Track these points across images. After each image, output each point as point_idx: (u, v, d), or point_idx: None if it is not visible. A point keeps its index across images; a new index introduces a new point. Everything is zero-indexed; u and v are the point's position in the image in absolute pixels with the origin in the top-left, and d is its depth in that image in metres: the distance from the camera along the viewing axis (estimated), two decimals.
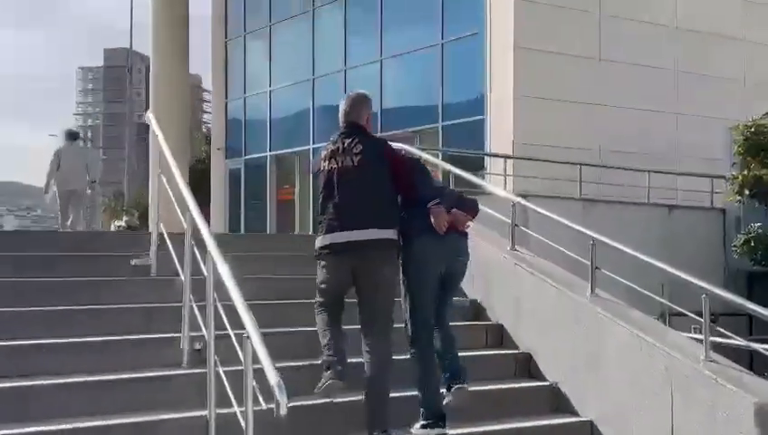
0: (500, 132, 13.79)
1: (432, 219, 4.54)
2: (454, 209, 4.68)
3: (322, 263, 4.48)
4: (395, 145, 5.13)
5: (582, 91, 14.34)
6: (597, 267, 5.27)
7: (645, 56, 14.92)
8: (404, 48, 17.08)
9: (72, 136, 11.77)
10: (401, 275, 4.60)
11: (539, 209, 6.08)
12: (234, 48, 22.80)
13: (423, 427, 4.44)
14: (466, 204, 4.89)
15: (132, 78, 50.77)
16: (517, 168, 12.40)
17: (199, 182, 27.05)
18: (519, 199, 6.44)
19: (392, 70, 17.53)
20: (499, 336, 5.91)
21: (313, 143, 19.46)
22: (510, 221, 6.23)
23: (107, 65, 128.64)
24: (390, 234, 4.46)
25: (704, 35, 15.63)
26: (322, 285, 4.49)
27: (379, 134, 6.83)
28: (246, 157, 21.92)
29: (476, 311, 6.21)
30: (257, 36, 21.90)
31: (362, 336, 4.43)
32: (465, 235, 4.85)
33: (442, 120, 15.81)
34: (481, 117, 14.59)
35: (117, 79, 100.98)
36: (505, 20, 14.00)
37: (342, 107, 4.69)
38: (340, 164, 4.47)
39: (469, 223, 4.83)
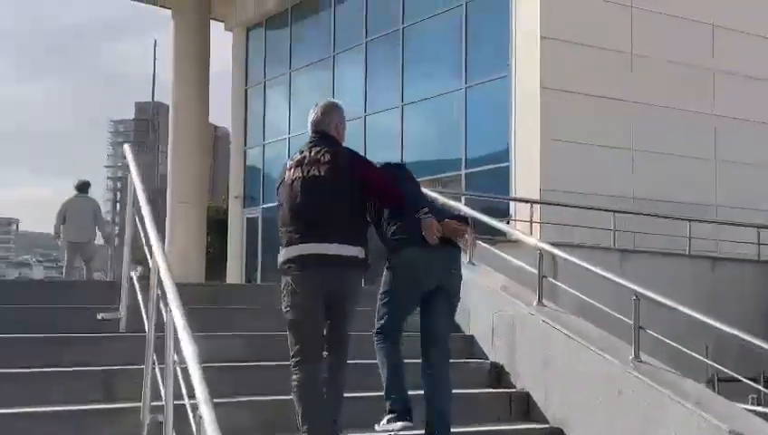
0: (526, 179, 13.00)
1: (423, 229, 4.19)
2: (447, 220, 4.32)
3: (289, 285, 3.98)
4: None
5: (615, 135, 13.55)
6: (641, 327, 4.45)
7: (682, 100, 14.12)
8: (425, 94, 16.49)
9: (79, 187, 11.59)
10: (382, 286, 4.30)
11: (570, 258, 5.29)
12: (253, 95, 22.42)
13: (388, 422, 4.13)
14: (460, 220, 4.53)
15: (159, 128, 50.99)
16: (545, 215, 11.55)
17: (222, 232, 26.67)
18: (546, 246, 5.63)
19: (413, 116, 16.93)
20: (525, 406, 5.09)
21: None
22: (537, 272, 5.43)
23: (137, 118, 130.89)
24: (357, 251, 4.02)
25: (744, 79, 14.83)
26: (292, 318, 3.96)
27: None
28: (264, 205, 21.33)
29: (498, 375, 5.40)
30: (277, 83, 21.50)
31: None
32: (459, 248, 4.52)
33: (465, 168, 15.08)
34: (506, 164, 13.84)
35: (146, 132, 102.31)
36: (532, 62, 13.33)
37: (311, 115, 4.37)
38: (305, 174, 4.07)
39: (466, 235, 4.48)
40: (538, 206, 11.45)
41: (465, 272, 4.85)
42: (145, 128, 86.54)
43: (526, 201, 11.64)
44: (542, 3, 13.25)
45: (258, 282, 20.68)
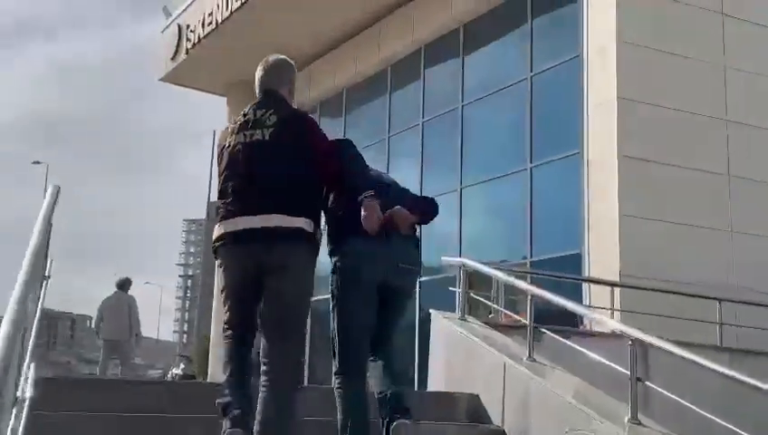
0: (601, 264, 11.17)
1: (362, 214, 3.56)
2: (397, 207, 3.80)
3: (220, 263, 3.59)
4: None
5: (706, 213, 11.70)
6: None
7: None
8: (487, 175, 15.03)
9: (119, 285, 11.60)
10: (330, 285, 3.81)
11: (689, 355, 3.56)
12: None
13: None
14: (420, 203, 4.06)
15: None
16: (626, 302, 9.61)
17: None
18: (640, 334, 3.91)
19: (474, 198, 15.43)
20: None
21: None
22: (628, 372, 3.71)
23: (209, 217, 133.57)
24: (302, 223, 3.51)
25: None
26: (224, 296, 3.56)
27: None
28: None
29: None
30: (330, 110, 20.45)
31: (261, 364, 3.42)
32: (414, 238, 3.99)
33: (531, 256, 13.40)
34: (576, 251, 12.08)
35: None
36: (608, 132, 11.73)
37: (258, 72, 3.82)
38: (248, 139, 3.62)
39: (414, 223, 3.92)
40: (617, 291, 9.51)
41: (523, 371, 3.27)
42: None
43: (606, 283, 9.64)
44: (618, 68, 11.76)
45: None
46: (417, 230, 4.22)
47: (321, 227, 3.75)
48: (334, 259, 3.81)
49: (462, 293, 6.55)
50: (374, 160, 17.67)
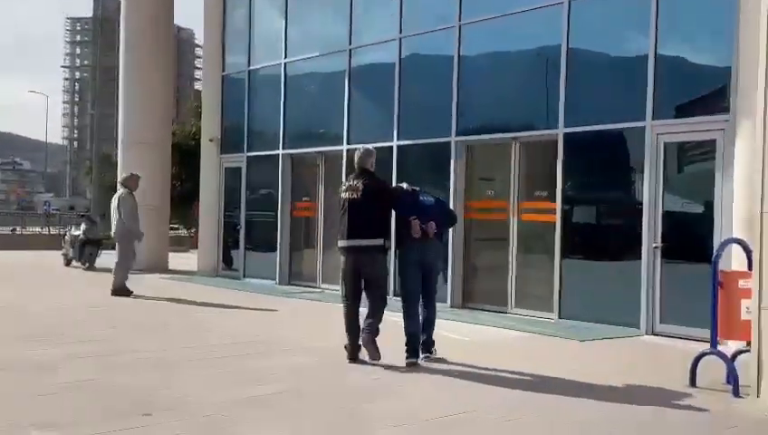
0: None
1: (411, 228, 7.05)
2: (430, 222, 7.09)
3: (341, 258, 7.13)
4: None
5: None
6: None
7: None
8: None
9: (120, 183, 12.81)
10: (398, 265, 7.24)
11: None
12: (234, 2, 16.71)
13: (409, 357, 6.96)
14: (444, 217, 7.53)
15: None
16: None
17: (191, 165, 21.09)
18: None
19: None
20: None
21: (348, 142, 13.56)
22: None
23: (97, 16, 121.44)
24: (378, 241, 6.99)
25: None
26: (342, 274, 7.17)
27: None
28: (250, 153, 15.96)
29: None
30: None
31: (367, 301, 7.10)
32: (438, 239, 7.33)
33: None
34: None
35: (112, 31, 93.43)
36: None
37: (356, 158, 7.30)
38: (351, 195, 7.07)
39: (439, 231, 7.27)
40: None
41: None
42: (111, 27, 78.51)
43: None
44: None
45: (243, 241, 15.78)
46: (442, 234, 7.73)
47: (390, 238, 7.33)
48: (399, 251, 7.29)
49: None
50: None
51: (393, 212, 7.32)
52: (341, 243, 7.10)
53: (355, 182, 7.10)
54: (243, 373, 6.59)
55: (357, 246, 6.97)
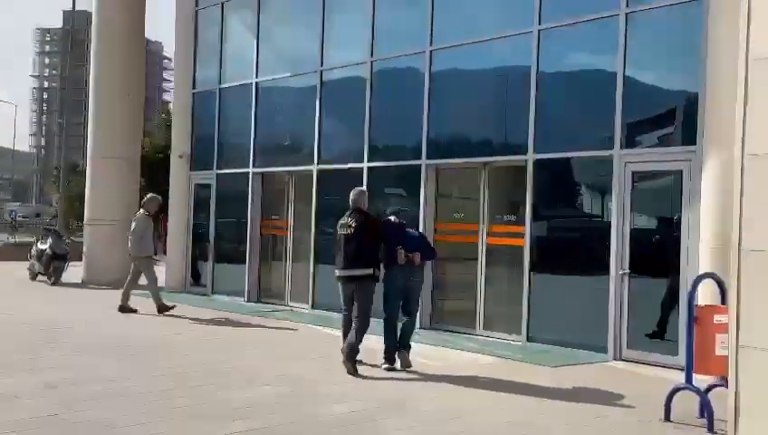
0: None
1: (397, 256, 8.35)
2: (416, 252, 8.47)
3: (339, 286, 8.49)
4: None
5: None
6: None
7: None
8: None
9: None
10: (384, 286, 8.49)
11: None
12: (206, 20, 16.64)
13: (384, 363, 8.42)
14: (425, 248, 8.82)
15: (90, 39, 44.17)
16: None
17: (159, 179, 20.77)
18: None
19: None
20: None
21: (318, 162, 13.55)
22: None
23: (66, 27, 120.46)
24: (368, 271, 8.21)
25: None
26: (341, 296, 8.52)
27: None
28: (220, 171, 15.87)
29: None
30: (241, 5, 15.81)
31: (353, 318, 8.33)
32: (420, 266, 8.62)
33: None
34: None
35: (81, 42, 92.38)
36: None
37: (351, 196, 8.57)
38: (345, 231, 8.30)
39: (421, 260, 8.55)
40: None
41: None
42: (80, 38, 77.57)
43: None
44: None
45: (212, 257, 15.58)
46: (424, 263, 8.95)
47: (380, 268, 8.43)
48: (385, 275, 8.45)
49: None
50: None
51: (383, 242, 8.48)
52: (338, 272, 8.40)
53: (348, 220, 8.32)
54: (215, 405, 6.49)
55: (350, 275, 8.26)
